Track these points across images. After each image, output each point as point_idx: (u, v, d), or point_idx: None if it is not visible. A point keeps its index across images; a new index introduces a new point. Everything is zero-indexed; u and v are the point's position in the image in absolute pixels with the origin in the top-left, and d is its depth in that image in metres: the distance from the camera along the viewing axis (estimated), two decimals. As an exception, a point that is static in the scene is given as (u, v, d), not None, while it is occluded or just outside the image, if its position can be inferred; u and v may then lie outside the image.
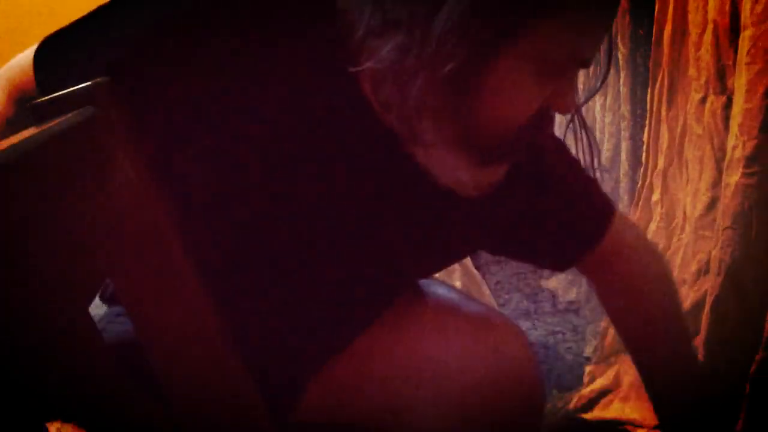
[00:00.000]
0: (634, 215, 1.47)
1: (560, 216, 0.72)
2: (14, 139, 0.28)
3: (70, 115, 0.35)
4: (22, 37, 0.74)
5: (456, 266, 1.07)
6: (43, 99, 0.37)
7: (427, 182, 0.58)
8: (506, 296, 2.18)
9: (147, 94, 0.51)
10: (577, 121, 0.63)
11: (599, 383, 1.49)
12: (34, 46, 0.62)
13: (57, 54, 0.61)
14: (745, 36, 1.01)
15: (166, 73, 0.52)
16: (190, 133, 0.52)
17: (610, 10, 0.53)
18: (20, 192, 0.26)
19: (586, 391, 1.49)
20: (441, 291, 0.75)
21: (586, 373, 1.57)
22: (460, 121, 0.52)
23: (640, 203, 1.46)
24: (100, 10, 0.58)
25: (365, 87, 0.55)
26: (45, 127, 0.32)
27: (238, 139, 0.55)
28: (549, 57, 0.49)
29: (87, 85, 0.38)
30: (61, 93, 0.38)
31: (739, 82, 1.04)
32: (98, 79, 0.39)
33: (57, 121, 0.33)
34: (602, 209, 0.76)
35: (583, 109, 1.93)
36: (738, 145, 1.05)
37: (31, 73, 0.60)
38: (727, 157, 1.09)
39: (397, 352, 0.69)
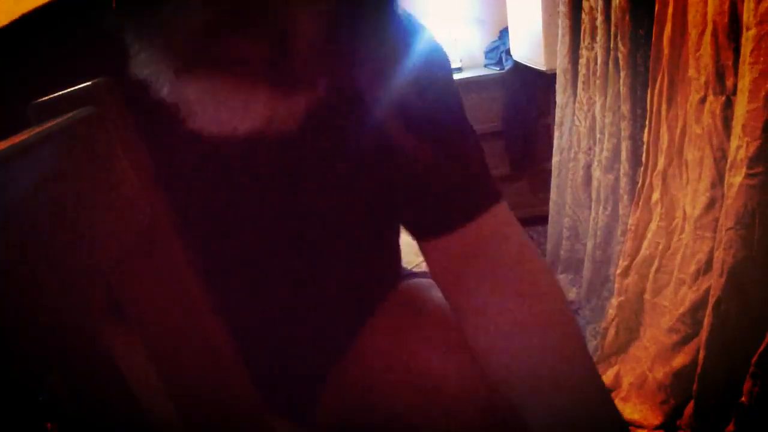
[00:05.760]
0: (634, 215, 1.47)
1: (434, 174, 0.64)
2: (14, 139, 0.28)
3: (70, 114, 0.35)
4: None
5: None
6: (43, 99, 0.37)
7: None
8: (506, 296, 2.18)
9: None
10: None
11: (599, 383, 1.49)
12: None
13: None
14: (749, 36, 1.01)
15: None
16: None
17: None
18: (19, 190, 0.26)
19: (586, 391, 1.48)
20: (436, 294, 0.73)
21: (586, 374, 1.56)
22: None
23: (640, 203, 1.46)
24: None
25: None
26: (45, 126, 0.32)
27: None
28: None
29: (87, 85, 0.38)
30: (61, 93, 0.38)
31: (742, 82, 1.03)
32: (98, 79, 0.39)
33: (57, 120, 0.33)
34: (477, 190, 0.65)
35: (584, 109, 1.91)
36: (742, 145, 1.04)
37: None
38: (730, 158, 1.09)
39: (398, 356, 0.68)
